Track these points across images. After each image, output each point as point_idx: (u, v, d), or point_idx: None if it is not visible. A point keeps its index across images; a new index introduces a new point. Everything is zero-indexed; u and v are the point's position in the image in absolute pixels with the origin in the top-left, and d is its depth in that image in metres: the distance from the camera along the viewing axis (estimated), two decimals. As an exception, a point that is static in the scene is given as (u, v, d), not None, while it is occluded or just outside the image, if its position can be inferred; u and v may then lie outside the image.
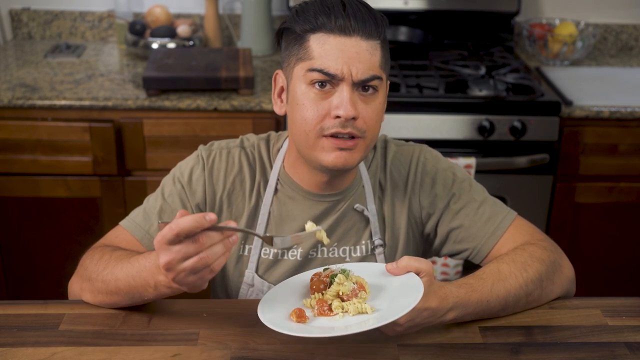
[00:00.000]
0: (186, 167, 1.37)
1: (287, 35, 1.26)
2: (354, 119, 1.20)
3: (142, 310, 1.25)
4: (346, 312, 1.10)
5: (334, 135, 1.22)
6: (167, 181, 1.37)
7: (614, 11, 2.89)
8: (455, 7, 2.75)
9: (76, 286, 1.28)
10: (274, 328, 1.04)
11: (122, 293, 1.18)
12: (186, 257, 1.01)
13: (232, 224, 1.03)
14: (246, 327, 1.21)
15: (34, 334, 1.19)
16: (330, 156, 1.23)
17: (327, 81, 1.20)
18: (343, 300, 1.11)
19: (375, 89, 1.23)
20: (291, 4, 2.69)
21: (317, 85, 1.21)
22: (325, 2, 1.21)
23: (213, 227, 1.01)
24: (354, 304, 1.10)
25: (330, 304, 1.11)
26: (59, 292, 2.39)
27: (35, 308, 1.26)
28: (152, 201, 1.36)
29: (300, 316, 1.09)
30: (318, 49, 1.20)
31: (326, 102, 1.21)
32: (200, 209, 1.35)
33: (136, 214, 1.35)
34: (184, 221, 0.99)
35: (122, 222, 1.35)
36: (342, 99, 1.19)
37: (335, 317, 1.10)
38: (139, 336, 1.19)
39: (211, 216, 0.99)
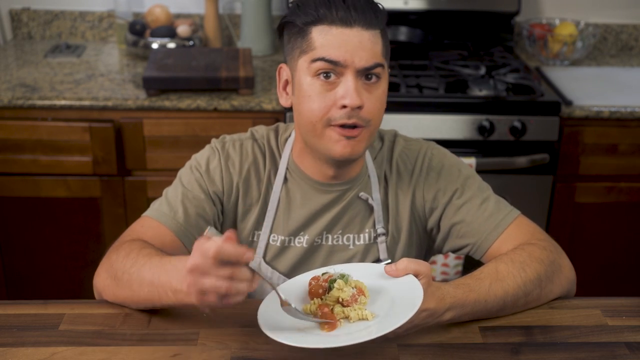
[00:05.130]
0: (202, 157, 1.39)
1: (289, 29, 1.28)
2: (359, 108, 1.22)
3: (142, 310, 1.24)
4: (347, 317, 1.10)
5: (340, 125, 1.24)
6: (184, 172, 1.39)
7: (614, 11, 2.89)
8: (455, 7, 2.75)
9: (100, 280, 1.26)
10: (277, 339, 1.03)
11: (144, 291, 1.16)
12: (213, 275, 0.99)
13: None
14: (246, 327, 1.20)
15: (34, 334, 1.19)
16: (338, 146, 1.25)
17: (332, 70, 1.22)
18: (343, 306, 1.11)
19: (378, 77, 1.25)
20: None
21: (322, 76, 1.23)
22: None
23: (248, 265, 1.00)
24: (355, 310, 1.09)
25: (332, 309, 1.11)
26: (59, 292, 2.40)
27: (35, 308, 1.26)
28: (172, 191, 1.37)
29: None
30: (320, 40, 1.22)
31: (332, 93, 1.23)
32: (218, 196, 1.37)
33: (159, 204, 1.35)
34: (228, 247, 0.98)
35: (147, 213, 1.36)
36: (347, 89, 1.22)
37: (336, 324, 1.09)
38: (139, 336, 1.19)
39: (249, 255, 0.99)
